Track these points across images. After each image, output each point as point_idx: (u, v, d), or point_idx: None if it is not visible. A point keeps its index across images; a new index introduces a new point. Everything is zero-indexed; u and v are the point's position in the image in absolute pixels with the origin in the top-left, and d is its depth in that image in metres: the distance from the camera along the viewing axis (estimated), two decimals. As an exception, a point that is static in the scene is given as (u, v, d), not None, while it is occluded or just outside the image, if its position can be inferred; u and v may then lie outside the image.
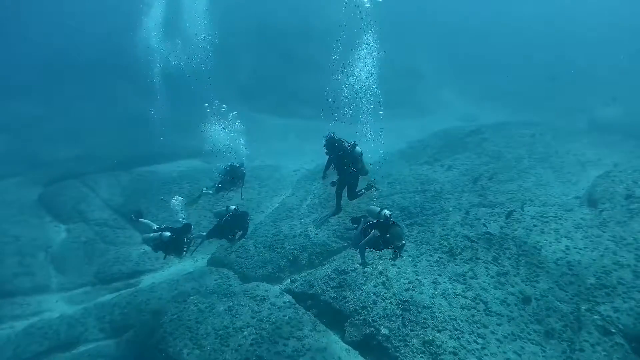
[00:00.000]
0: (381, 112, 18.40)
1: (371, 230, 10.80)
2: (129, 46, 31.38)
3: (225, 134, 19.25)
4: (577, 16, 58.65)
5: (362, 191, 13.60)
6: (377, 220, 10.95)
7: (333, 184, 13.44)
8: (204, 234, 14.49)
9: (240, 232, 14.00)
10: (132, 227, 21.08)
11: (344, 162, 12.79)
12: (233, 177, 16.41)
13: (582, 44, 50.20)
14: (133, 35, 29.80)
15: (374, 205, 11.80)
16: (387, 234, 10.45)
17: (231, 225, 13.74)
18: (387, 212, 10.86)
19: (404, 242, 10.66)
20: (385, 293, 13.35)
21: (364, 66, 17.95)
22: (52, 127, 33.78)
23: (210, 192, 17.65)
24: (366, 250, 11.04)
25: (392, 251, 10.80)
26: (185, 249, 13.42)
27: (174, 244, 13.19)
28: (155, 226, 13.96)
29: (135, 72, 34.46)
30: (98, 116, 35.11)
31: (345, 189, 13.43)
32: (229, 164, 16.59)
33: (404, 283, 13.57)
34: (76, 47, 44.60)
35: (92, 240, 20.50)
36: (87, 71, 41.56)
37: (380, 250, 11.10)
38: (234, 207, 13.94)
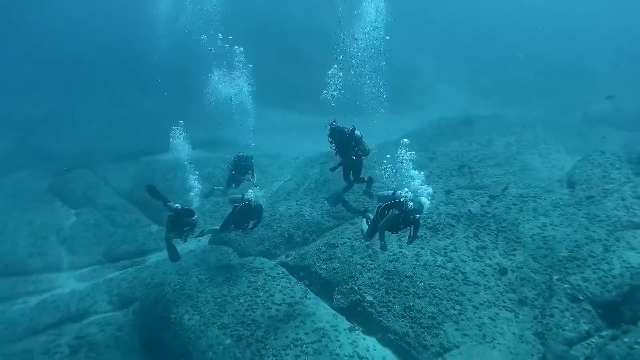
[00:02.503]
0: (377, 114, 19.02)
1: (388, 211, 11.27)
2: (134, 42, 32.42)
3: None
4: (576, 14, 59.05)
5: (366, 179, 14.42)
6: (392, 201, 11.38)
7: (332, 169, 14.28)
8: (217, 227, 15.25)
9: (254, 221, 14.63)
10: (139, 211, 22.28)
11: (348, 147, 13.52)
12: (242, 169, 17.15)
13: (579, 41, 50.72)
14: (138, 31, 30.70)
15: (384, 191, 12.30)
16: (407, 211, 10.89)
17: (244, 216, 14.33)
18: (400, 192, 11.32)
19: (424, 214, 11.35)
20: (370, 264, 14.37)
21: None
22: (60, 124, 34.65)
23: (222, 187, 18.51)
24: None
25: (408, 235, 11.46)
26: (185, 233, 14.27)
27: (175, 219, 14.15)
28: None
29: (140, 69, 35.53)
30: (104, 113, 35.95)
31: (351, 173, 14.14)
32: (237, 155, 17.32)
33: (388, 255, 14.53)
34: (83, 47, 45.40)
35: (101, 223, 21.58)
36: (93, 70, 42.44)
37: (397, 232, 11.63)
38: (248, 197, 14.42)
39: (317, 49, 37.27)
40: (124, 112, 35.51)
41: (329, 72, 15.65)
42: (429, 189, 11.67)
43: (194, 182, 16.79)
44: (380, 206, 11.61)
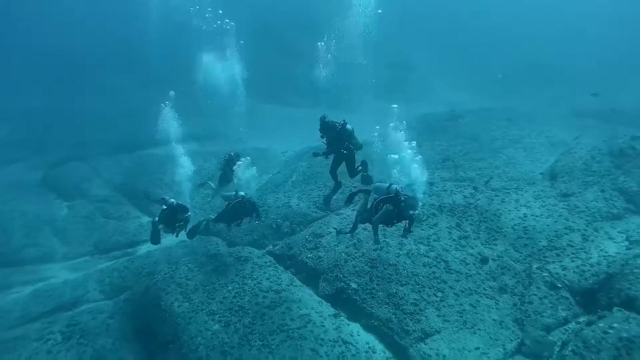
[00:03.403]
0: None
1: (383, 206, 11.43)
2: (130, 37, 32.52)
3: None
4: (572, 10, 59.41)
5: (360, 168, 14.50)
6: (387, 195, 11.54)
7: (315, 154, 14.45)
8: (213, 217, 15.57)
9: (254, 215, 14.81)
10: (131, 203, 22.62)
11: (338, 141, 13.70)
12: (233, 168, 17.49)
13: (574, 37, 51.02)
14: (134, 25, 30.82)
15: (380, 182, 12.45)
16: (401, 207, 11.03)
17: (238, 212, 14.52)
18: (396, 186, 11.45)
19: (418, 211, 11.47)
20: (355, 253, 14.73)
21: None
22: (54, 117, 34.92)
23: (213, 185, 18.79)
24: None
25: (403, 228, 11.59)
26: (177, 229, 14.52)
27: (169, 215, 14.48)
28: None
29: (135, 63, 35.73)
30: (99, 107, 36.16)
31: (345, 168, 14.24)
32: (228, 153, 17.61)
33: (373, 244, 14.91)
34: (78, 41, 45.57)
35: (93, 215, 21.94)
36: (88, 63, 42.66)
37: (392, 226, 11.88)
38: (242, 193, 14.57)
39: (308, 43, 37.60)
40: (118, 106, 35.70)
41: (319, 44, 15.80)
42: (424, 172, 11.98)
43: (185, 176, 17.08)
44: (376, 199, 11.77)
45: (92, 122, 33.13)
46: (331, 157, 14.25)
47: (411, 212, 11.13)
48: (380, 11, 18.44)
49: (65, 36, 47.10)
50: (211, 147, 27.53)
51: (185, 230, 14.88)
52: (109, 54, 43.15)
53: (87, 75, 41.73)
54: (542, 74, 44.59)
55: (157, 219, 14.64)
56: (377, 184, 12.33)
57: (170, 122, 17.63)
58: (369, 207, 12.54)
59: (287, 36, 43.53)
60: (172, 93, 17.35)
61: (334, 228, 16.35)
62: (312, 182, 20.41)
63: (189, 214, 14.52)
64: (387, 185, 11.65)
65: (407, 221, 11.48)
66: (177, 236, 14.90)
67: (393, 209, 11.18)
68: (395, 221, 11.54)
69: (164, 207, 14.38)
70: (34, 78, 41.90)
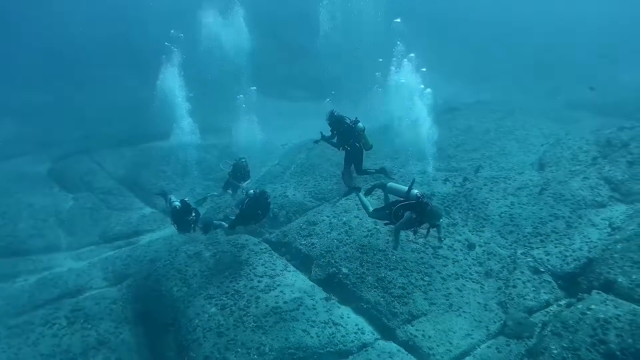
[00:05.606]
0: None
1: (403, 212, 11.34)
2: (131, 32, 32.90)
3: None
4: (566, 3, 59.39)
5: (372, 170, 14.84)
6: (406, 200, 11.36)
7: (316, 142, 14.86)
8: (227, 225, 15.98)
9: (261, 213, 14.73)
10: (134, 195, 23.28)
11: (346, 138, 14.07)
12: (239, 174, 17.86)
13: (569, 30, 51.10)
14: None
15: (394, 183, 12.48)
16: (424, 215, 10.91)
17: (254, 208, 14.51)
18: (416, 191, 11.34)
19: (442, 220, 11.66)
20: (347, 239, 15.25)
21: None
22: (58, 112, 35.41)
23: (216, 193, 19.31)
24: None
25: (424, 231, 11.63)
26: (188, 228, 15.17)
27: (177, 216, 15.08)
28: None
29: (137, 58, 36.18)
30: (101, 101, 36.62)
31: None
32: (235, 160, 18.06)
33: (363, 231, 15.42)
34: (79, 37, 45.99)
35: (97, 206, 22.66)
36: (90, 60, 43.15)
37: (415, 232, 11.78)
38: (252, 191, 14.70)
39: (307, 39, 38.04)
40: (120, 99, 36.13)
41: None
42: None
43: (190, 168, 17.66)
44: (395, 204, 11.74)
45: (95, 116, 33.63)
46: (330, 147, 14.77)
47: (436, 222, 11.20)
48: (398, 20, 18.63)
49: (65, 30, 47.39)
50: (212, 140, 27.96)
51: (198, 226, 15.49)
52: (108, 47, 43.49)
53: (88, 68, 42.11)
54: (539, 67, 44.70)
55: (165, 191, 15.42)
56: (393, 184, 12.37)
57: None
58: (382, 206, 12.73)
59: (285, 30, 43.90)
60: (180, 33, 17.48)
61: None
62: (309, 173, 20.87)
63: (194, 214, 15.11)
64: (406, 189, 11.57)
65: (435, 229, 11.52)
66: (193, 231, 15.53)
67: (416, 217, 11.12)
68: (416, 227, 11.50)
69: (171, 209, 15.11)
70: (36, 73, 42.26)
